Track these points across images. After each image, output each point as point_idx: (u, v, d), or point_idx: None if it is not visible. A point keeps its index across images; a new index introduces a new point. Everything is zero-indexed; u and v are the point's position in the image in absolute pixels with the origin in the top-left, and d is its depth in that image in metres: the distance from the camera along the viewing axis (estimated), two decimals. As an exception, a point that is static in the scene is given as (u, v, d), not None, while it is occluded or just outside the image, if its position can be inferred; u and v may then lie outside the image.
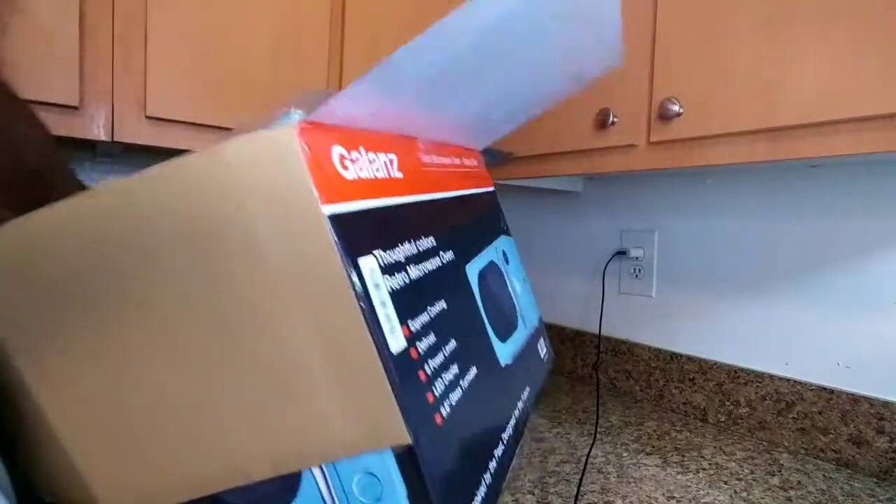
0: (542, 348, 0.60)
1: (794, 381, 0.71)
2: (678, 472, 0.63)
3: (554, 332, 1.04)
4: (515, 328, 0.51)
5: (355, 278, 0.26)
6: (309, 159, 0.25)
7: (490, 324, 0.43)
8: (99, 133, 0.60)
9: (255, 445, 0.28)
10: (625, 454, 0.68)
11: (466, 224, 0.47)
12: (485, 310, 0.43)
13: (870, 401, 0.64)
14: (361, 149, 0.32)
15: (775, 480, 0.62)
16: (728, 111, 0.55)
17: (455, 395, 0.32)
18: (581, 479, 0.60)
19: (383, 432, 0.25)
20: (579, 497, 0.56)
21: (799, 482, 0.62)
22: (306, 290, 0.25)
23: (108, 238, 0.28)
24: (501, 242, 0.57)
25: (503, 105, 0.49)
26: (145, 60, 0.61)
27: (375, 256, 0.28)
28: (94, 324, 0.29)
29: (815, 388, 0.69)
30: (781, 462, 0.67)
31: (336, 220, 0.26)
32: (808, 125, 0.50)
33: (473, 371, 0.36)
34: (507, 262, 0.56)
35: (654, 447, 0.70)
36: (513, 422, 0.42)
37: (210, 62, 0.65)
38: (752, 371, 0.75)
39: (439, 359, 0.31)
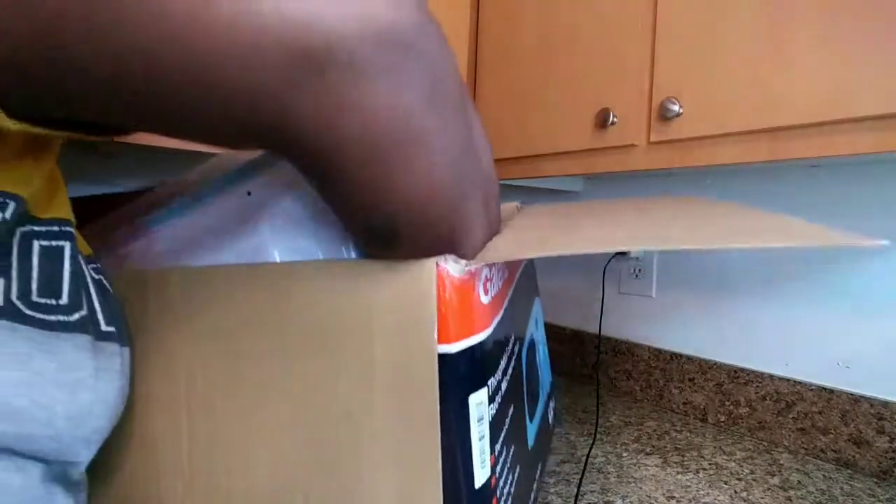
0: (551, 412, 0.58)
1: (794, 381, 0.71)
2: (678, 472, 0.63)
3: (554, 332, 1.04)
4: (538, 401, 0.49)
5: (462, 421, 0.25)
6: (453, 293, 0.24)
7: (527, 407, 0.42)
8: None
9: None
10: (625, 454, 0.68)
11: (524, 300, 0.45)
12: (526, 395, 0.41)
13: (870, 401, 0.64)
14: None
15: (775, 480, 0.62)
16: (728, 111, 0.55)
17: None
18: (581, 479, 0.60)
19: None
20: (579, 497, 0.56)
21: (799, 482, 0.62)
22: (399, 419, 0.25)
23: (258, 312, 0.29)
24: (536, 307, 0.55)
25: None
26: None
27: (488, 386, 0.27)
28: (232, 369, 0.30)
29: (815, 388, 0.69)
30: (781, 462, 0.67)
31: (460, 356, 0.25)
32: (808, 125, 0.50)
33: (518, 470, 0.34)
34: (537, 327, 0.54)
35: (654, 447, 0.70)
36: None
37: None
38: (752, 371, 0.75)
39: (505, 472, 0.30)
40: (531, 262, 0.56)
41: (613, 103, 0.66)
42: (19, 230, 0.25)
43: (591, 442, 0.71)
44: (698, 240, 0.25)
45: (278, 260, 0.33)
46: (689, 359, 0.83)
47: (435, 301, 0.24)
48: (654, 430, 0.76)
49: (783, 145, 0.52)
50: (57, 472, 0.25)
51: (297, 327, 0.27)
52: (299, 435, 0.27)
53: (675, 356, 0.85)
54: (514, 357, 0.37)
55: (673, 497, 0.57)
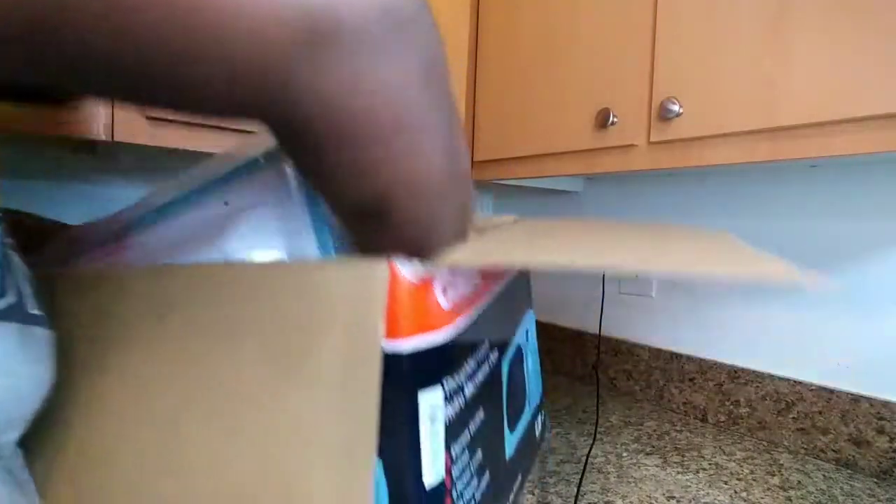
0: (539, 425, 0.58)
1: (794, 381, 0.71)
2: (678, 472, 0.63)
3: (554, 332, 1.04)
4: (523, 412, 0.49)
5: (410, 419, 0.24)
6: (406, 293, 0.24)
7: (507, 417, 0.41)
8: (99, 133, 0.60)
9: None
10: (625, 454, 0.68)
11: (508, 310, 0.45)
12: (506, 404, 0.41)
13: (870, 401, 0.64)
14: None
15: (775, 480, 0.62)
16: (728, 111, 0.55)
17: None
18: (581, 479, 0.60)
19: None
20: (579, 497, 0.56)
21: (799, 482, 0.62)
22: (341, 416, 0.24)
23: (200, 310, 0.29)
24: (527, 319, 0.55)
25: None
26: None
27: (443, 385, 0.27)
28: (180, 372, 0.30)
29: (815, 388, 0.69)
30: (781, 462, 0.67)
31: (410, 358, 0.24)
32: (808, 125, 0.50)
33: (486, 477, 0.34)
34: (527, 339, 0.53)
35: (654, 447, 0.70)
36: None
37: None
38: (752, 371, 0.75)
39: (466, 476, 0.30)
40: (526, 272, 0.55)
41: (613, 103, 0.66)
42: None
43: (591, 442, 0.71)
44: (671, 264, 0.24)
45: None
46: (689, 359, 0.83)
47: (384, 300, 0.24)
48: (654, 430, 0.76)
49: (783, 145, 0.52)
50: None
51: (246, 327, 0.27)
52: (243, 438, 0.27)
53: (675, 356, 0.85)
54: (489, 363, 0.36)
55: (673, 497, 0.57)
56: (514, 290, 0.49)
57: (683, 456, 0.68)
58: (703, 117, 0.57)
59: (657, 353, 0.87)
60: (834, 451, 0.67)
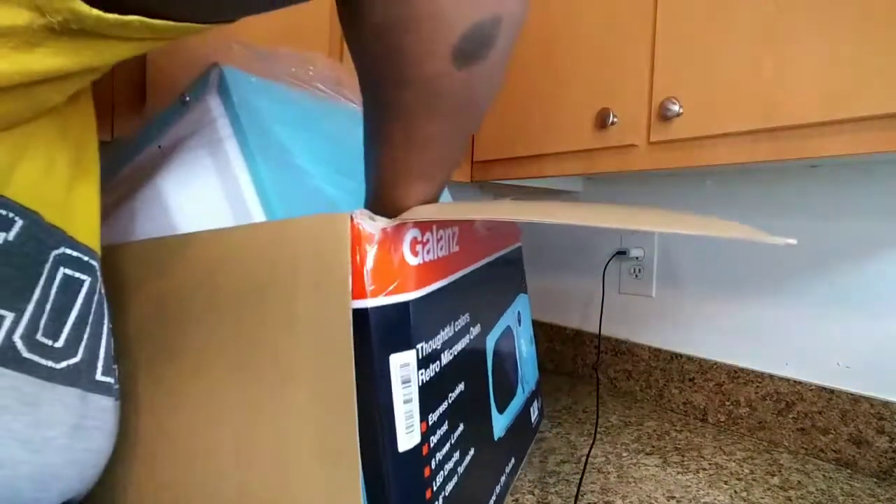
0: (535, 411, 0.57)
1: (794, 381, 0.71)
2: (678, 472, 0.63)
3: (554, 332, 1.04)
4: (514, 395, 0.48)
5: (382, 381, 0.24)
6: (369, 248, 0.24)
7: (494, 396, 0.41)
8: (98, 133, 0.60)
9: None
10: (625, 454, 0.68)
11: (495, 289, 0.44)
12: (493, 382, 0.40)
13: (870, 401, 0.64)
14: (434, 227, 0.30)
15: (775, 480, 0.62)
16: (728, 111, 0.55)
17: (450, 485, 0.29)
18: (581, 479, 0.60)
19: None
20: (579, 497, 0.56)
21: (799, 482, 0.62)
22: (318, 376, 0.24)
23: (194, 275, 0.29)
24: (519, 302, 0.54)
25: None
26: (144, 59, 0.61)
27: (417, 350, 0.26)
28: (170, 335, 0.30)
29: (815, 388, 0.69)
30: (781, 462, 0.67)
31: (379, 313, 0.24)
32: (808, 125, 0.50)
33: (471, 453, 0.34)
34: (519, 323, 0.53)
35: (654, 447, 0.70)
36: (493, 499, 0.39)
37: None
38: (752, 371, 0.75)
39: (446, 447, 0.29)
40: (516, 252, 0.55)
41: (613, 103, 0.66)
42: (53, 254, 0.23)
43: (591, 442, 0.71)
44: (645, 223, 0.26)
45: (172, 207, 0.33)
46: (689, 359, 0.83)
47: (349, 256, 0.23)
48: (654, 430, 0.76)
49: (783, 145, 0.52)
50: None
51: (228, 291, 0.27)
52: (232, 397, 0.27)
53: (675, 356, 0.85)
54: (469, 336, 0.36)
55: (673, 497, 0.57)
56: (503, 269, 0.48)
57: (683, 456, 0.68)
58: (703, 117, 0.57)
59: (657, 353, 0.87)
60: (834, 451, 0.67)
